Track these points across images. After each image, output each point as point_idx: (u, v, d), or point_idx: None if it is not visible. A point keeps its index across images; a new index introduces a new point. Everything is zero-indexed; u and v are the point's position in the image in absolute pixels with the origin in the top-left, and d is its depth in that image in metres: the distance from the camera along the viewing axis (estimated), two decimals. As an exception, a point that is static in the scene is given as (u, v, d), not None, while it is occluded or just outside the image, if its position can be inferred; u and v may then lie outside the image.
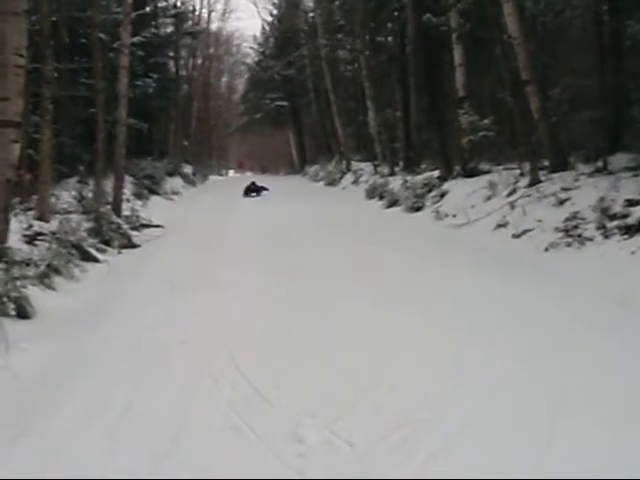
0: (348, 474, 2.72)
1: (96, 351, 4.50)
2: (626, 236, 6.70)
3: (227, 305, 5.58)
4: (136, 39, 15.89)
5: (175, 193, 19.22)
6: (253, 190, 19.63)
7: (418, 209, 12.46)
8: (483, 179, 11.40)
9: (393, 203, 13.81)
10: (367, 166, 20.81)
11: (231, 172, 46.93)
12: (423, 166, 15.96)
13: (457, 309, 5.29)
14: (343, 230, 10.54)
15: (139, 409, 3.45)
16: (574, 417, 3.18)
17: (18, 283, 5.31)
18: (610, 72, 10.06)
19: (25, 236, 7.29)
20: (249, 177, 40.37)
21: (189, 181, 23.64)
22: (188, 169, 25.30)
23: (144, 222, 11.10)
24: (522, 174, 10.55)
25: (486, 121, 12.98)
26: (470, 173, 12.56)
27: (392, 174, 17.35)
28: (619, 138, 9.83)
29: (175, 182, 20.80)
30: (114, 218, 9.90)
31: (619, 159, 8.93)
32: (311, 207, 14.66)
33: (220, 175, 39.62)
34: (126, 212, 11.15)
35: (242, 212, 14.46)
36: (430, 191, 12.80)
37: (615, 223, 7.00)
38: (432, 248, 8.62)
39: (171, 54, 26.41)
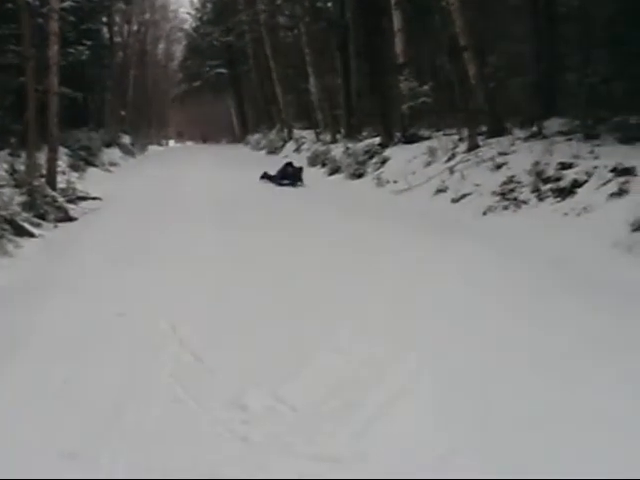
0: (291, 438, 2.76)
1: (32, 326, 4.37)
2: (559, 199, 6.93)
3: (169, 277, 5.50)
4: (66, 4, 15.20)
5: (113, 164, 18.72)
6: (287, 175, 13.01)
7: (360, 176, 12.54)
8: (423, 145, 11.54)
9: (335, 170, 13.85)
10: (309, 134, 20.73)
11: (171, 142, 46.02)
12: (364, 133, 16.02)
13: (400, 275, 5.39)
14: (286, 198, 10.52)
15: (79, 384, 3.39)
16: (512, 372, 3.32)
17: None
18: (545, 38, 10.25)
19: (-46, 211, 6.99)
20: (190, 147, 39.96)
21: (127, 152, 23.04)
22: (126, 139, 24.64)
23: (81, 195, 10.77)
24: (461, 139, 10.74)
25: (425, 87, 13.10)
26: (410, 139, 12.69)
27: (334, 141, 17.35)
28: (553, 103, 10.07)
29: (113, 153, 20.23)
30: (49, 191, 9.56)
31: (553, 124, 9.18)
32: (253, 175, 14.53)
33: (160, 145, 38.78)
34: (61, 185, 10.79)
35: (183, 182, 14.21)
36: (371, 158, 12.88)
37: (549, 186, 7.23)
38: (374, 214, 8.70)
39: (104, 20, 25.42)
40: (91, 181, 12.98)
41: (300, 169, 13.14)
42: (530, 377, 3.27)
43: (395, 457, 2.60)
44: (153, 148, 32.34)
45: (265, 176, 13.37)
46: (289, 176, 12.82)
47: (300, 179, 12.80)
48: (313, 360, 3.58)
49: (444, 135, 11.66)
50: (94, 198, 10.92)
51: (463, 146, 10.35)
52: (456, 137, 11.00)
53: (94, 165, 16.73)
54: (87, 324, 4.35)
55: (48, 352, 3.86)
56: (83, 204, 10.32)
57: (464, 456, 2.59)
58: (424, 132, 12.93)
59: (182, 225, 8.11)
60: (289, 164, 13.43)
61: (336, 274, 5.44)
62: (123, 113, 27.89)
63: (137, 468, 2.62)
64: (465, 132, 10.61)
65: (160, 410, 3.08)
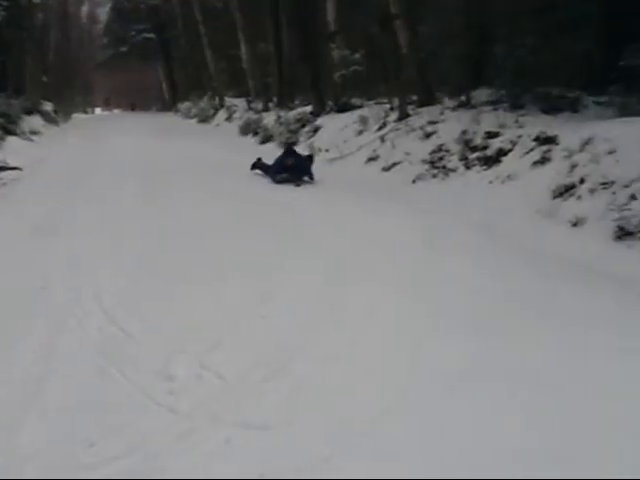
0: (218, 407, 2.74)
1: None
2: (485, 167, 7.10)
3: (92, 248, 5.31)
4: (-22, -40, 14.29)
5: (35, 133, 17.88)
6: (286, 168, 8.69)
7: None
8: (355, 114, 11.55)
9: (267, 139, 13.69)
10: (241, 102, 20.40)
11: (97, 110, 44.45)
12: (297, 101, 15.90)
13: (332, 240, 5.38)
14: (218, 169, 10.32)
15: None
16: (429, 328, 3.43)
17: None
18: (475, 9, 10.34)
19: None
20: (117, 115, 38.70)
21: (50, 120, 22.07)
22: (49, 107, 23.57)
23: (-1, 164, 10.28)
24: (392, 108, 10.80)
25: (357, 56, 13.07)
26: (342, 108, 12.67)
27: (266, 110, 17.16)
28: (482, 73, 10.22)
29: (34, 121, 19.31)
30: (-36, 160, 9.10)
31: (481, 94, 9.34)
32: (184, 145, 14.24)
33: (85, 113, 37.41)
34: (-22, 154, 10.28)
35: (110, 151, 13.75)
36: (304, 126, 12.81)
37: (476, 154, 7.38)
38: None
39: (21, -21, 24.05)
40: (11, 150, 12.37)
41: (309, 158, 9.31)
42: (463, 336, 3.35)
43: (322, 423, 2.62)
44: (78, 116, 31.17)
45: (258, 166, 9.42)
46: (290, 169, 8.63)
47: (308, 173, 8.73)
48: (240, 327, 3.57)
49: (375, 104, 11.70)
50: (14, 168, 10.42)
51: (394, 115, 10.41)
52: (387, 106, 11.05)
53: (14, 134, 15.92)
54: (7, 295, 4.19)
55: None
56: (2, 174, 9.85)
57: (394, 419, 2.63)
58: (356, 101, 12.93)
59: (109, 195, 7.87)
60: (290, 151, 9.11)
61: (269, 239, 5.40)
62: (45, 79, 26.64)
63: (60, 439, 2.56)
64: (396, 101, 10.67)
65: (84, 383, 3.01)
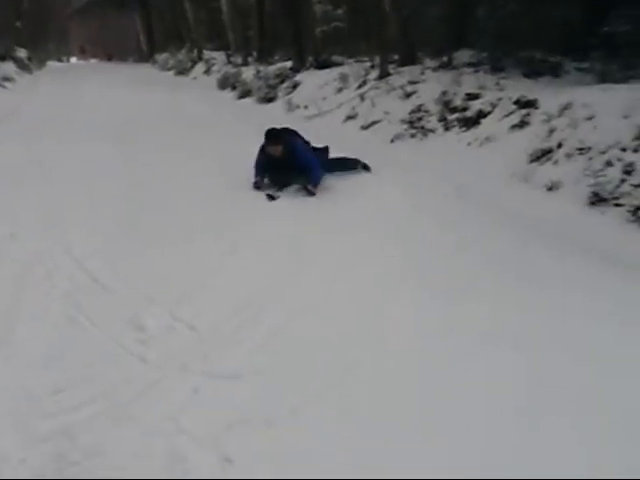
0: (188, 357, 2.74)
1: None
2: (464, 128, 7.06)
3: (66, 198, 5.23)
4: None
5: (8, 80, 17.43)
6: (274, 163, 5.59)
7: (270, 100, 12.27)
8: (335, 71, 11.38)
9: (246, 94, 13.47)
10: (220, 55, 20.01)
11: (73, 59, 43.39)
12: (276, 56, 15.64)
13: (305, 201, 5.35)
14: (195, 124, 10.16)
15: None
16: (406, 288, 3.45)
17: None
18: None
19: None
20: (93, 64, 37.77)
21: (24, 67, 21.50)
22: (22, 53, 22.93)
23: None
24: (373, 67, 10.67)
25: (339, 11, 12.84)
26: (323, 64, 12.48)
27: (245, 64, 16.86)
28: (464, 35, 10.12)
29: (7, 68, 18.79)
30: None
31: (462, 55, 9.25)
32: (161, 98, 13.95)
33: (60, 61, 36.49)
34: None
35: (86, 102, 13.41)
36: (283, 82, 12.61)
37: (455, 116, 7.33)
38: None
39: None
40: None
41: (322, 150, 6.25)
42: (443, 299, 3.37)
43: (291, 374, 2.64)
44: (53, 64, 30.40)
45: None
46: (277, 165, 5.62)
47: (310, 174, 5.54)
48: (213, 279, 3.55)
49: (356, 62, 11.55)
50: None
51: (374, 73, 10.28)
52: (368, 64, 10.92)
53: (-15, 80, 15.54)
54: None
55: None
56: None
57: (365, 373, 2.65)
58: (337, 58, 12.75)
59: (85, 144, 7.72)
60: (274, 135, 5.64)
61: (242, 196, 5.36)
62: (18, 24, 25.81)
63: (26, 386, 2.54)
64: (377, 59, 10.53)
65: (53, 330, 3.00)
